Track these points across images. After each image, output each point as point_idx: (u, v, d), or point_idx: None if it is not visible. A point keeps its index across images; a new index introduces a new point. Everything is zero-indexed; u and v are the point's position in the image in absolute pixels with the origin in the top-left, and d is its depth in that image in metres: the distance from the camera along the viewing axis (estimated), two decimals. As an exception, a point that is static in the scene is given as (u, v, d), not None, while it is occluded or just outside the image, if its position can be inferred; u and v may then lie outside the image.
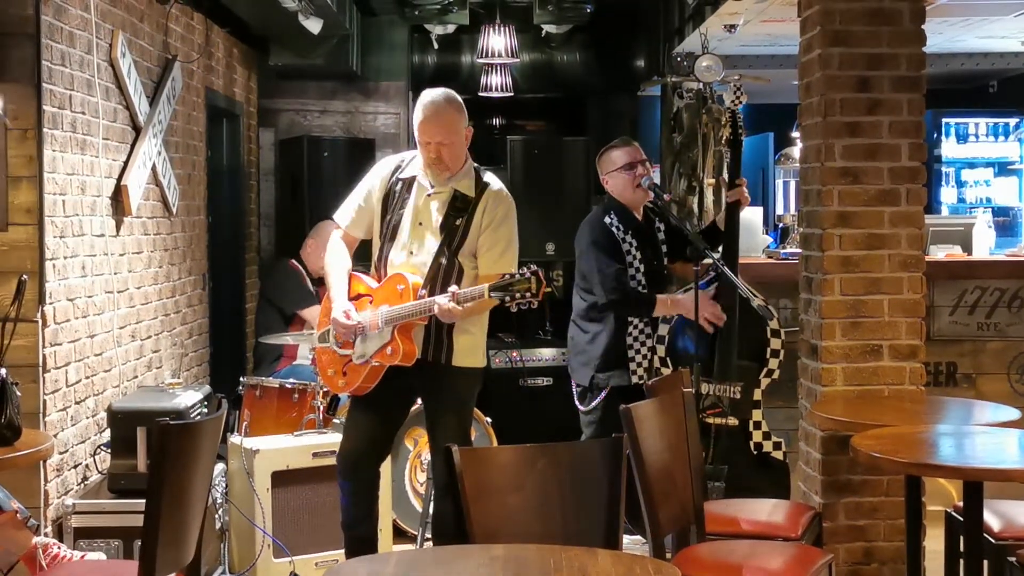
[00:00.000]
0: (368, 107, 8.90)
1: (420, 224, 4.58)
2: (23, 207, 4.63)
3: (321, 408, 5.69)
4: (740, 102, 5.75)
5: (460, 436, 4.60)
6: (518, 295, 4.24)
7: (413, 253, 4.58)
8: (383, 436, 4.76)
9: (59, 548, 4.21)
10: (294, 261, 7.29)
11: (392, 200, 4.66)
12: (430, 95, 4.60)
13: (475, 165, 4.68)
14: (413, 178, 4.64)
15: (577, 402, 5.69)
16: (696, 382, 5.24)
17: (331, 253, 4.76)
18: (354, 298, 4.65)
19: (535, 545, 3.08)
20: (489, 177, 4.66)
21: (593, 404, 5.58)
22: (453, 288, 4.36)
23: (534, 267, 4.27)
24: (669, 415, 4.06)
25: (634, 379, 5.49)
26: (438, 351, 4.55)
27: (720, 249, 5.61)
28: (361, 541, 4.73)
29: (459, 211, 4.55)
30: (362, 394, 4.64)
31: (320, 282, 7.17)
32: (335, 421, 5.76)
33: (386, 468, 5.55)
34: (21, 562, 4.16)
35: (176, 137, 6.53)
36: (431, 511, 4.96)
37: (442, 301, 4.35)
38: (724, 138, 5.94)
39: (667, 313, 5.49)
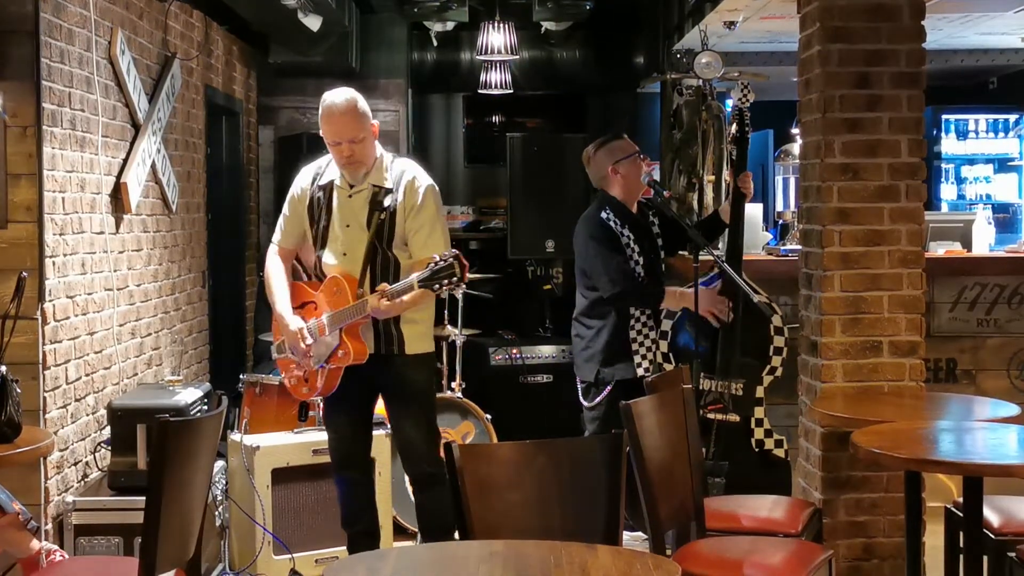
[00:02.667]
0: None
1: (348, 226, 4.64)
2: (23, 205, 4.63)
3: (321, 405, 5.69)
4: (748, 101, 5.76)
5: (426, 424, 4.69)
6: (445, 281, 4.27)
7: (346, 255, 4.64)
8: (364, 429, 4.83)
9: (63, 556, 4.21)
10: (291, 259, 7.29)
11: (316, 208, 4.72)
12: (331, 97, 4.62)
13: (388, 154, 4.73)
14: (331, 183, 4.70)
15: (581, 399, 5.68)
16: (696, 378, 5.24)
17: (269, 268, 4.82)
18: (300, 306, 4.72)
19: (535, 541, 3.08)
20: (403, 163, 4.71)
21: (597, 400, 5.58)
22: (383, 285, 4.43)
23: (455, 251, 4.31)
24: (669, 411, 4.06)
25: (639, 371, 5.49)
26: (389, 344, 4.62)
27: (721, 245, 5.62)
28: (361, 537, 4.78)
29: (379, 204, 4.59)
30: (328, 395, 4.71)
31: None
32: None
33: (386, 466, 5.56)
34: (19, 565, 4.16)
35: (175, 135, 6.53)
36: (415, 504, 4.96)
37: (373, 300, 4.42)
38: (730, 136, 5.97)
39: (675, 306, 5.50)
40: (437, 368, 4.87)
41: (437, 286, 4.30)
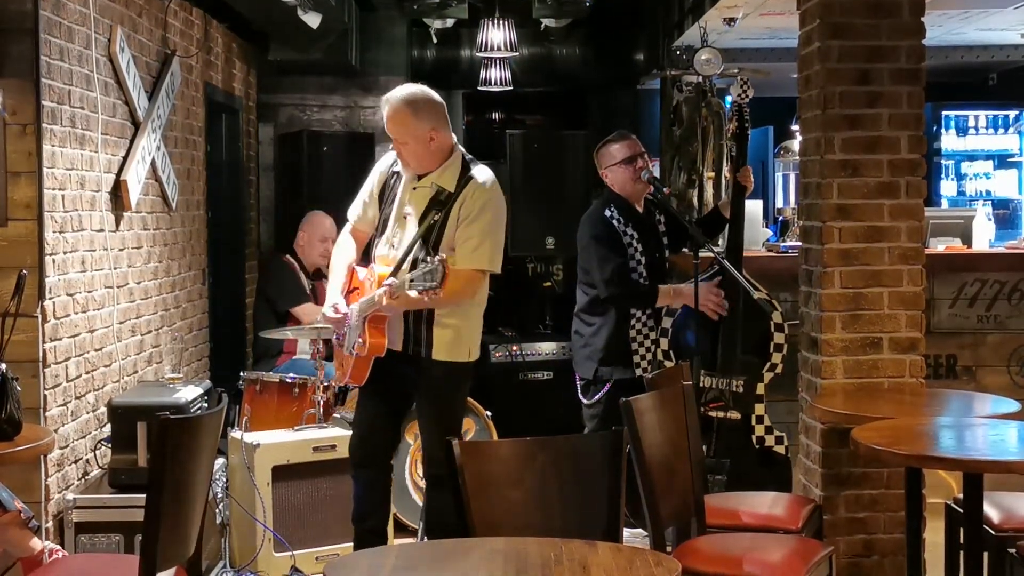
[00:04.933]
0: (367, 101, 8.89)
1: (404, 217, 4.61)
2: (22, 202, 4.63)
3: (322, 402, 5.70)
4: (747, 96, 5.76)
5: (443, 431, 4.57)
6: (426, 285, 4.19)
7: (394, 246, 4.60)
8: (387, 426, 4.78)
9: (65, 556, 4.21)
10: (288, 256, 7.30)
11: (386, 194, 4.70)
12: (392, 93, 4.62)
13: (466, 157, 4.64)
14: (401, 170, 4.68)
15: (580, 396, 5.69)
16: (697, 376, 5.25)
17: (336, 247, 4.85)
18: (351, 291, 4.71)
19: (536, 538, 3.08)
20: (476, 170, 4.59)
21: (596, 398, 5.59)
22: (390, 280, 4.38)
23: (443, 256, 4.23)
24: (669, 409, 4.06)
25: (638, 372, 5.50)
26: (417, 345, 4.57)
27: (721, 242, 5.63)
28: (370, 533, 4.76)
29: (438, 205, 4.52)
30: (361, 384, 4.68)
31: (315, 275, 7.18)
32: (335, 416, 5.78)
33: (387, 463, 5.57)
34: (19, 564, 4.16)
35: (175, 132, 6.53)
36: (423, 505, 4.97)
37: (378, 294, 4.40)
38: (730, 131, 5.98)
39: (670, 303, 5.50)
40: (471, 378, 4.75)
41: (421, 288, 4.19)
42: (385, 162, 4.78)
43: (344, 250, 4.79)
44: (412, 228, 4.57)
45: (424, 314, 4.54)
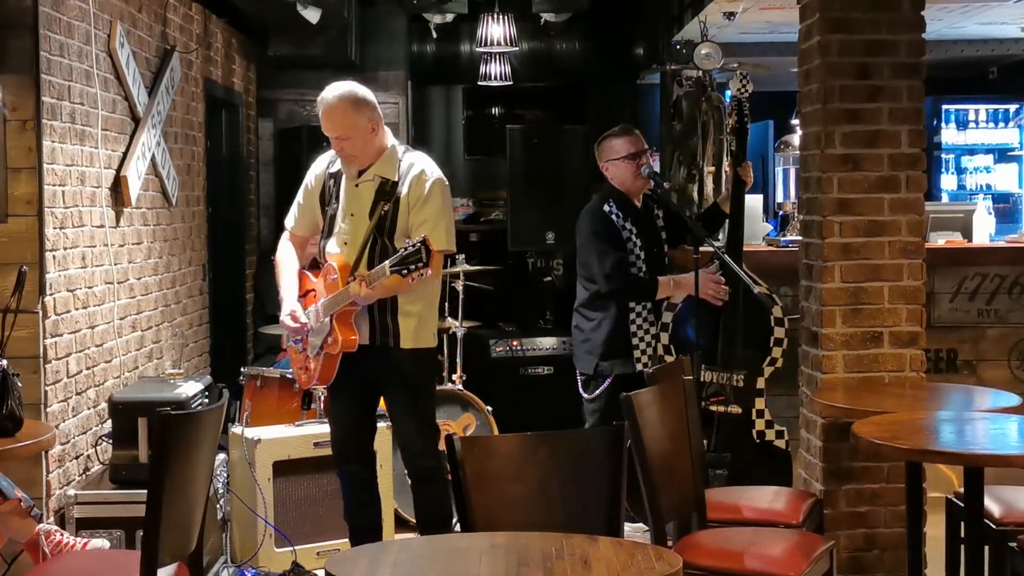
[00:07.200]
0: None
1: (352, 215, 4.65)
2: (23, 198, 4.63)
3: (322, 397, 5.70)
4: (746, 91, 5.76)
5: (421, 419, 4.66)
6: (412, 267, 4.26)
7: (347, 243, 4.64)
8: (362, 422, 4.82)
9: (62, 535, 4.21)
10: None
11: (327, 195, 4.75)
12: (325, 92, 4.66)
13: (401, 147, 4.72)
14: (340, 171, 4.72)
15: (581, 391, 5.69)
16: (697, 370, 5.24)
17: (279, 255, 4.87)
18: (304, 295, 4.75)
19: (537, 533, 3.09)
20: (413, 156, 4.69)
21: (597, 393, 5.58)
22: (362, 271, 4.45)
23: (423, 236, 4.29)
24: (670, 403, 4.06)
25: (638, 367, 5.49)
26: (384, 335, 4.61)
27: (721, 236, 5.62)
28: (363, 530, 4.77)
29: (386, 195, 4.58)
30: (328, 384, 4.72)
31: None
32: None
33: (387, 459, 5.56)
34: (25, 550, 4.17)
35: (175, 128, 6.53)
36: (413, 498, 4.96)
37: (354, 287, 4.43)
38: (730, 126, 5.97)
39: (670, 295, 5.50)
40: (438, 362, 4.82)
41: (406, 271, 4.28)
42: (320, 165, 4.81)
43: (288, 257, 4.84)
44: (363, 222, 4.60)
45: (388, 304, 4.58)
